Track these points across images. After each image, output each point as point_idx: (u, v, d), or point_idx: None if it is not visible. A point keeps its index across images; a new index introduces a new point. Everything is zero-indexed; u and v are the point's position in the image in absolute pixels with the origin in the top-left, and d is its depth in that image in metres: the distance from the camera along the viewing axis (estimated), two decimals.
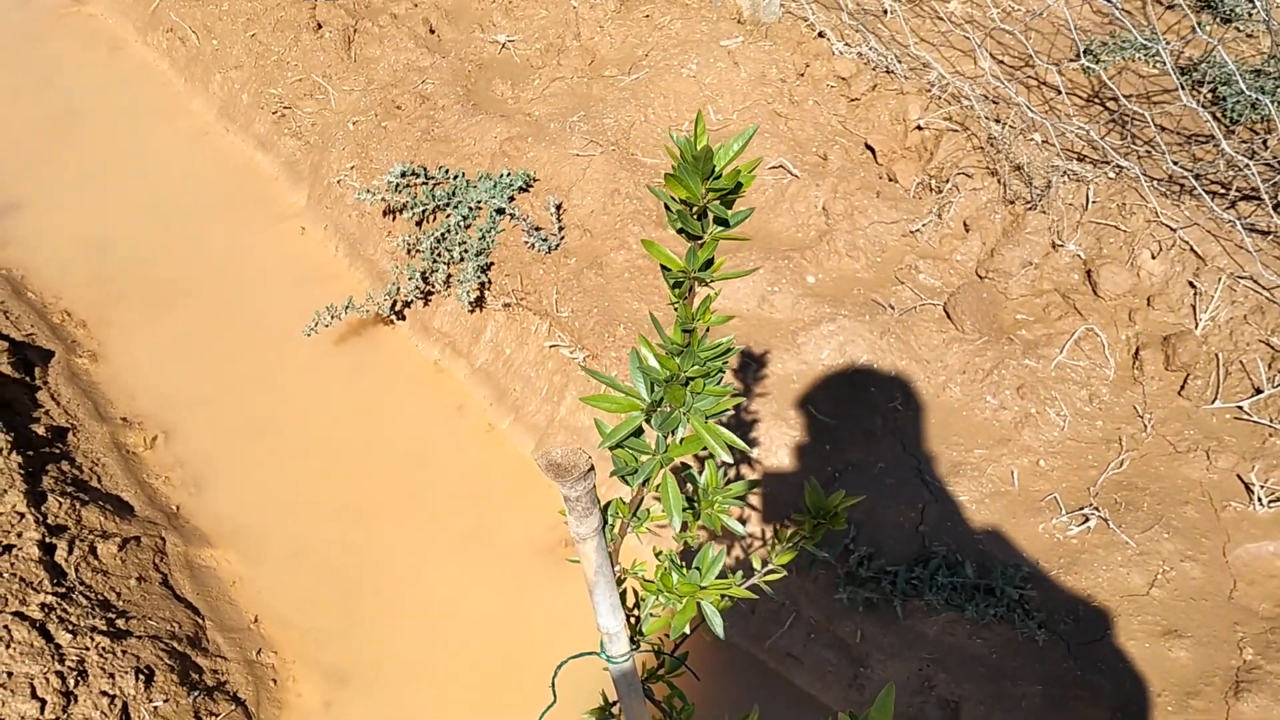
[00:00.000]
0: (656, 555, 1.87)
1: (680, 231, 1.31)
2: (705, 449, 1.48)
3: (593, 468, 1.48)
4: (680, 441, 1.51)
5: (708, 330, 1.43)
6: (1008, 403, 3.76)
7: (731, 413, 3.83)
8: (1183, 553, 3.33)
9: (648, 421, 1.51)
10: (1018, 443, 3.68)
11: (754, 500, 3.72)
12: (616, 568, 1.77)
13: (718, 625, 1.68)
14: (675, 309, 1.41)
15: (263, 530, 4.14)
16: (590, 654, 1.88)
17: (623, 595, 1.82)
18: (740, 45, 4.93)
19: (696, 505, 1.89)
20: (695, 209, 1.26)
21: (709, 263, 1.33)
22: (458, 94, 5.24)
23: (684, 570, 1.72)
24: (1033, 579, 3.34)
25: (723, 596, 1.74)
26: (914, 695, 3.22)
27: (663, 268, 1.35)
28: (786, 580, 3.57)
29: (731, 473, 3.66)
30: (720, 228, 1.29)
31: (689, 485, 1.89)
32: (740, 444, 1.49)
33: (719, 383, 1.48)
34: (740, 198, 1.25)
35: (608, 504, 1.73)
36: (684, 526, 1.91)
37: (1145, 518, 3.42)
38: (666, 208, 1.30)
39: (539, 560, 3.94)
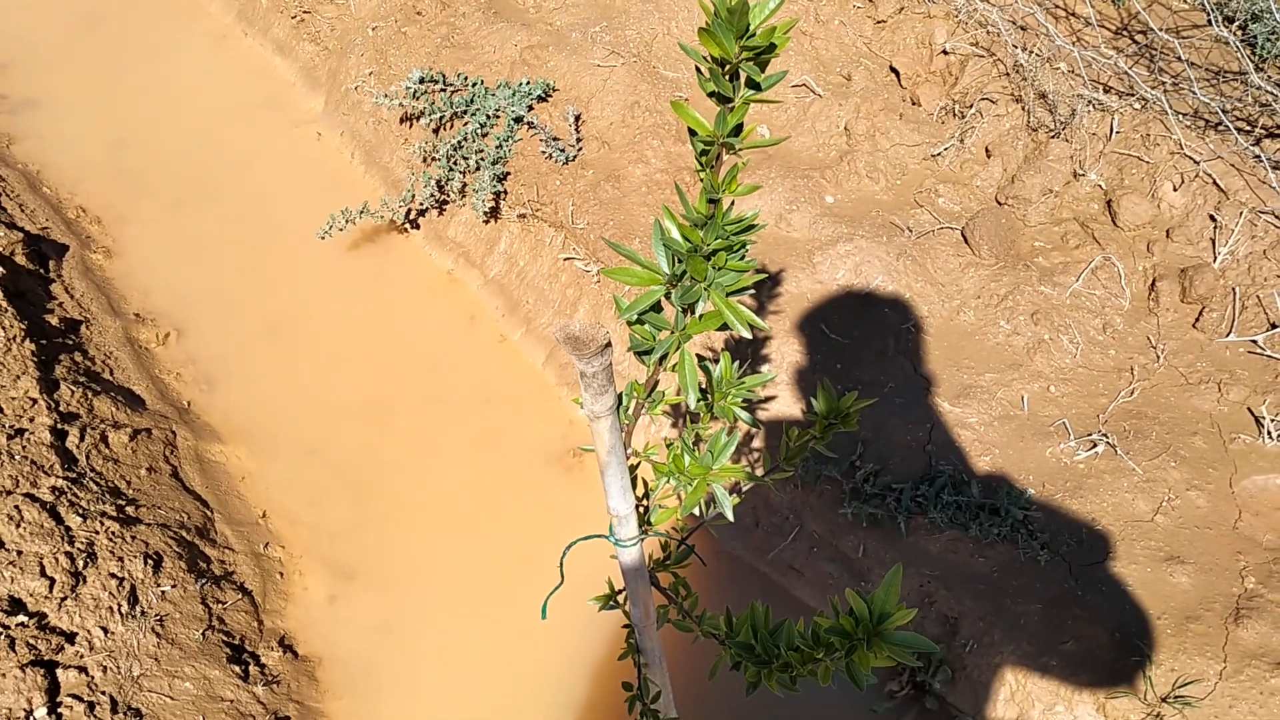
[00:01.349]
0: (668, 445, 1.88)
1: (711, 95, 1.29)
2: (725, 326, 1.47)
3: (610, 343, 1.48)
4: (700, 317, 1.51)
5: (732, 203, 1.42)
6: (1021, 328, 3.75)
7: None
8: (1189, 481, 3.33)
9: (667, 298, 1.50)
10: (1029, 368, 3.68)
11: (764, 416, 3.73)
12: (629, 450, 1.77)
13: (728, 507, 1.69)
14: (701, 179, 1.39)
15: (273, 428, 4.17)
16: (599, 536, 1.89)
17: (633, 483, 1.83)
18: None
19: (710, 397, 1.89)
20: (727, 69, 1.24)
21: (738, 128, 1.31)
22: (479, 1, 5.17)
23: (696, 453, 1.72)
24: (1038, 501, 3.36)
25: (730, 493, 1.75)
26: (914, 610, 3.24)
27: (690, 132, 1.33)
28: (792, 495, 3.59)
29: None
30: (751, 91, 1.28)
31: (704, 376, 1.89)
32: (759, 323, 1.48)
33: (742, 259, 1.47)
34: (775, 57, 1.23)
35: (623, 388, 1.73)
36: (695, 417, 1.92)
37: (1153, 446, 3.42)
38: (697, 69, 1.28)
39: (548, 467, 3.96)
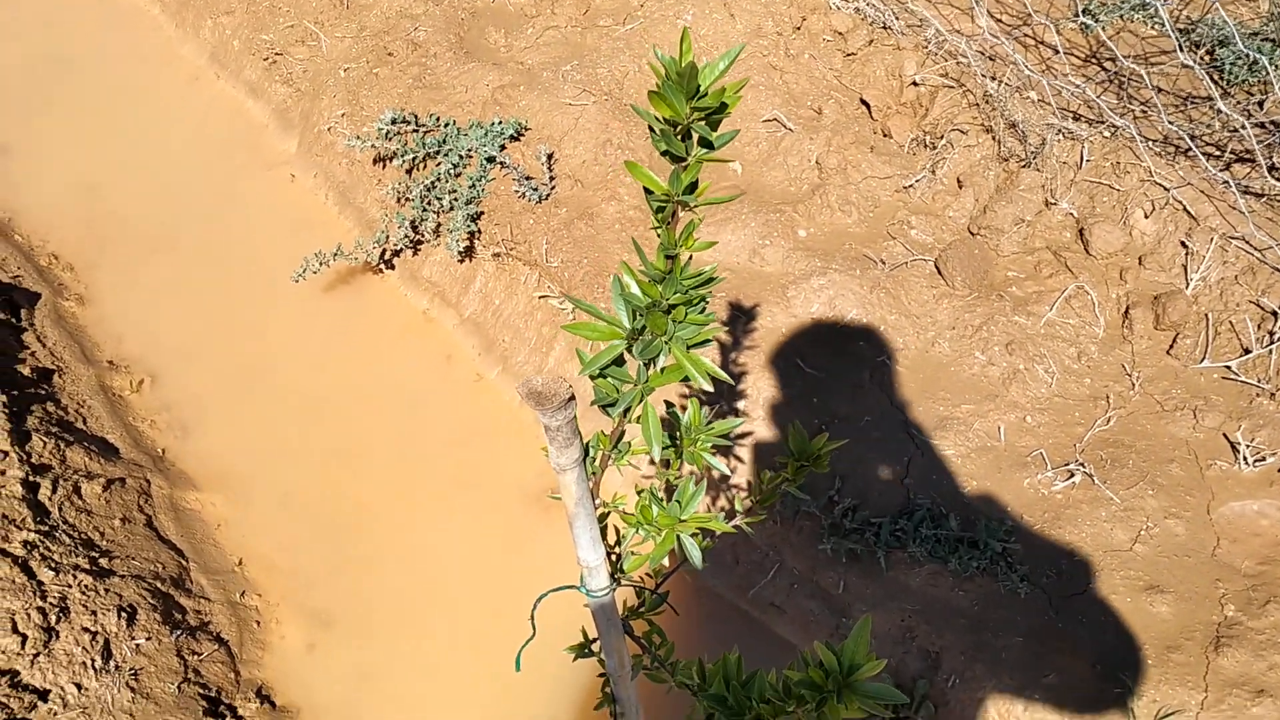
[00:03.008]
0: (638, 493, 1.87)
1: (664, 154, 1.29)
2: (687, 379, 1.47)
3: (573, 397, 1.47)
4: (661, 370, 1.50)
5: (690, 258, 1.42)
6: (996, 359, 3.76)
7: (717, 353, 3.82)
8: (1167, 509, 3.34)
9: (629, 350, 1.50)
10: (1005, 399, 3.68)
11: (741, 453, 3.72)
12: (597, 501, 1.76)
13: (696, 557, 1.68)
14: (658, 235, 1.39)
15: (249, 475, 4.14)
16: (570, 587, 1.88)
17: (604, 532, 1.82)
18: None
19: (679, 444, 1.89)
20: (679, 129, 1.24)
21: (693, 185, 1.31)
22: (450, 42, 5.18)
23: (664, 503, 1.71)
24: (1016, 533, 3.35)
25: (703, 535, 1.74)
26: (895, 645, 3.23)
27: (646, 191, 1.33)
28: (771, 531, 3.58)
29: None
30: (705, 150, 1.27)
31: (673, 425, 1.89)
32: (721, 374, 1.48)
33: (701, 311, 1.46)
34: (725, 118, 1.23)
35: (589, 438, 1.73)
36: (666, 464, 1.91)
37: (1130, 474, 3.42)
38: (650, 129, 1.28)
39: (526, 507, 3.94)
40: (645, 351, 1.46)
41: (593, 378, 1.55)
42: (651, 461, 3.84)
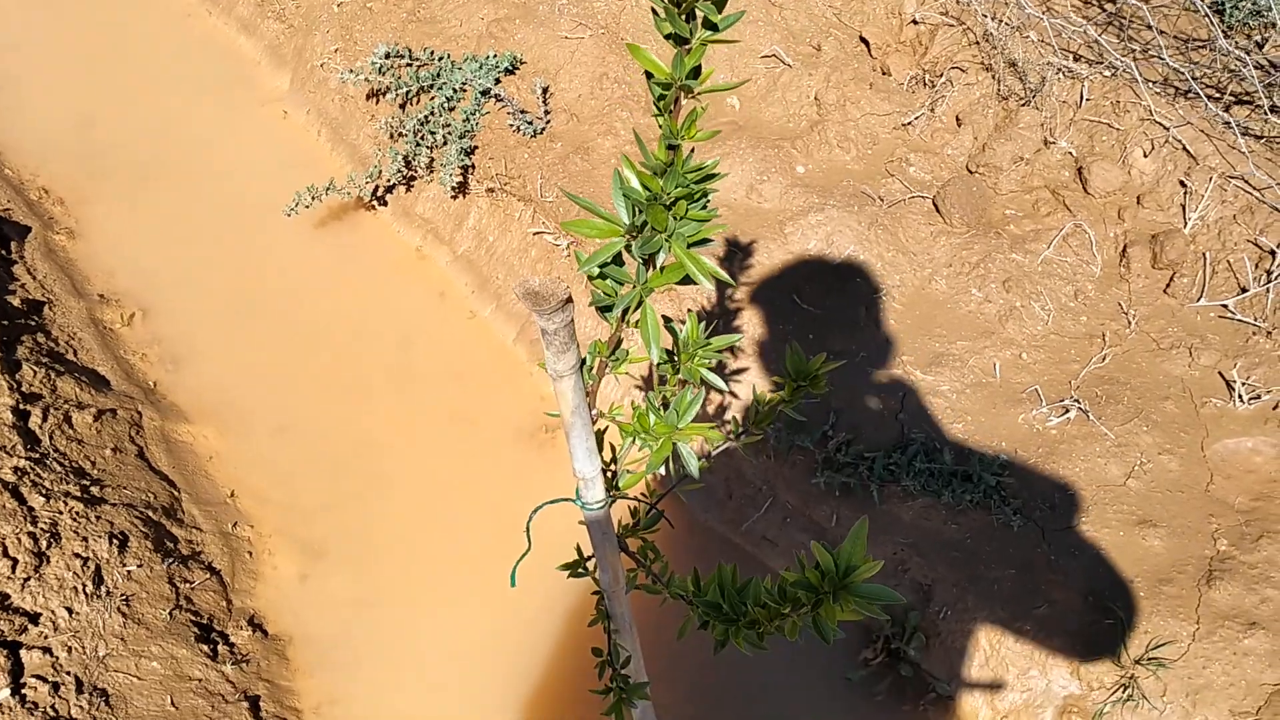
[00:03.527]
0: (634, 408, 1.85)
1: (668, 37, 1.26)
2: (687, 279, 1.44)
3: (570, 298, 1.45)
4: (661, 269, 1.48)
5: (693, 150, 1.39)
6: (993, 296, 3.74)
7: (713, 286, 3.80)
8: (1161, 446, 3.34)
9: (628, 250, 1.48)
10: (1001, 335, 3.67)
11: (737, 389, 3.71)
12: (594, 412, 1.75)
13: (693, 465, 1.66)
14: (660, 124, 1.36)
15: (241, 407, 4.12)
16: (565, 500, 1.87)
17: (600, 447, 1.81)
18: None
19: (676, 359, 1.86)
20: (683, 7, 1.21)
21: (696, 70, 1.28)
22: None
23: (661, 413, 1.69)
24: (1010, 467, 3.35)
25: (699, 458, 1.72)
26: (888, 578, 3.24)
27: (647, 74, 1.30)
28: (764, 466, 3.57)
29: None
30: (709, 31, 1.25)
31: (671, 340, 1.86)
32: (722, 274, 1.45)
33: (703, 207, 1.44)
34: None
35: (587, 347, 1.71)
36: (663, 379, 1.89)
37: (1125, 411, 3.42)
38: (653, 10, 1.25)
39: (520, 443, 3.93)
40: (645, 248, 1.44)
41: (590, 278, 1.53)
42: (647, 382, 3.82)
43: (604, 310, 1.56)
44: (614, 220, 1.45)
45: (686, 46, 1.26)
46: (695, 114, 1.35)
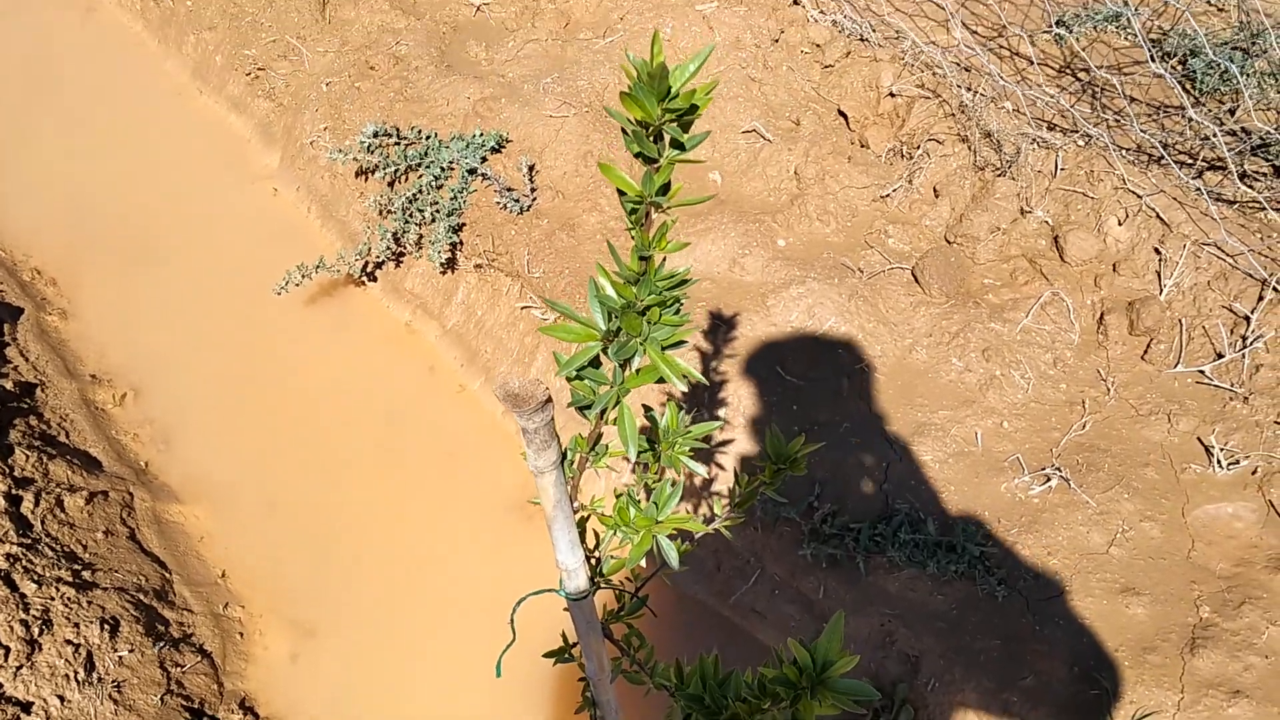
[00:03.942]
0: (617, 497, 1.89)
1: (637, 156, 1.31)
2: (662, 379, 1.49)
3: (550, 399, 1.49)
4: (637, 371, 1.52)
5: (664, 259, 1.45)
6: (973, 365, 3.79)
7: (698, 361, 3.85)
8: (1142, 513, 3.37)
9: (604, 352, 1.52)
10: (982, 404, 3.72)
11: (722, 460, 3.75)
12: (576, 505, 1.78)
13: (673, 557, 1.70)
14: (632, 236, 1.42)
15: (232, 486, 4.14)
16: (549, 591, 1.90)
17: (583, 536, 1.84)
18: (715, 10, 4.93)
19: (658, 448, 1.91)
20: (650, 130, 1.27)
21: (665, 187, 1.34)
22: (432, 55, 5.21)
23: (640, 505, 1.73)
24: (994, 537, 3.38)
25: (682, 540, 1.76)
26: (875, 650, 3.26)
27: (619, 192, 1.36)
28: (751, 538, 3.60)
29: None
30: (676, 151, 1.30)
31: (652, 429, 1.91)
32: (695, 374, 1.50)
33: (676, 312, 1.49)
34: (697, 118, 1.26)
35: (567, 442, 1.75)
36: (644, 467, 1.93)
37: (1106, 478, 3.46)
38: (623, 131, 1.31)
39: (507, 515, 3.96)
40: (620, 352, 1.48)
41: (569, 379, 1.58)
42: (630, 465, 3.86)
43: (583, 409, 1.61)
44: (591, 325, 1.50)
45: (655, 165, 1.32)
46: (665, 226, 1.40)
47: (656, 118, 1.25)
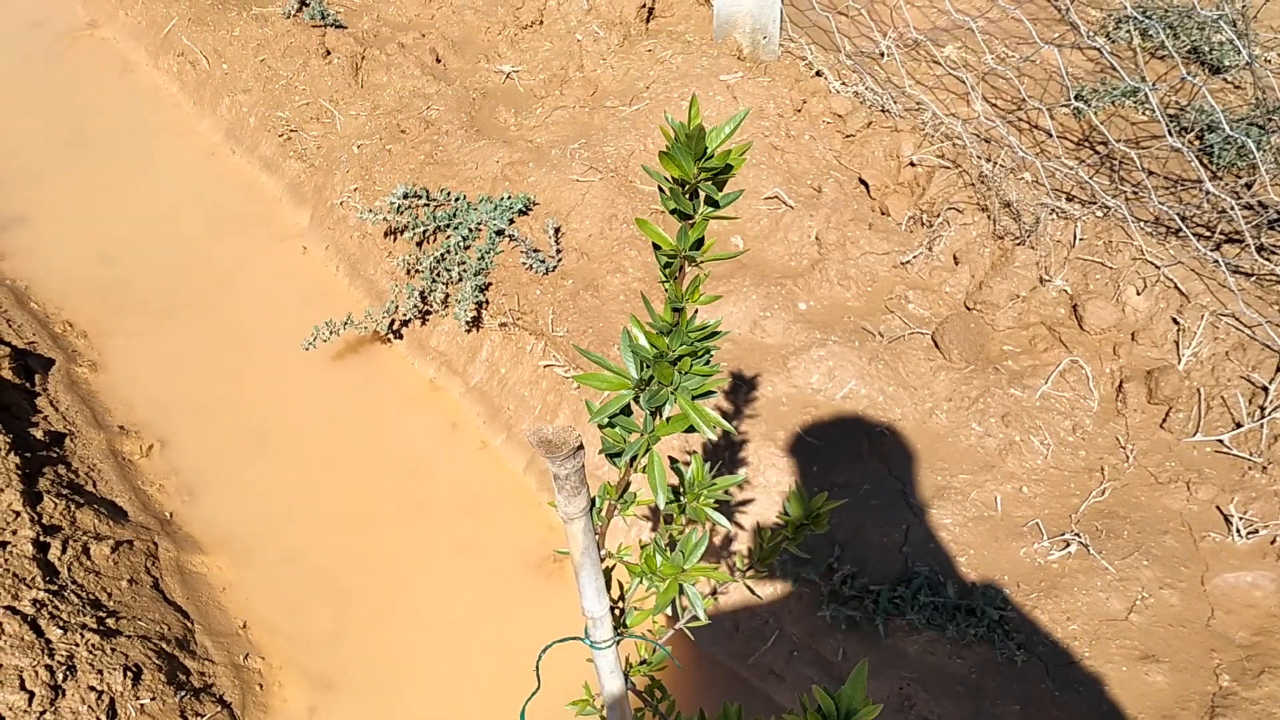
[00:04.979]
0: (642, 547, 1.92)
1: (673, 213, 1.38)
2: (692, 428, 1.54)
3: (582, 445, 1.54)
4: (667, 420, 1.57)
5: (696, 311, 1.50)
6: (993, 430, 3.82)
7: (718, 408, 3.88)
8: (1162, 580, 3.38)
9: (636, 401, 1.57)
10: (1001, 469, 3.74)
11: (741, 519, 3.77)
12: (603, 552, 1.82)
13: (699, 607, 1.73)
14: (666, 290, 1.47)
15: (254, 538, 4.18)
16: (574, 639, 1.92)
17: (608, 585, 1.87)
18: (739, 80, 5.04)
19: (683, 499, 1.95)
20: (687, 188, 1.33)
21: (699, 243, 1.40)
22: (461, 120, 5.33)
23: (668, 554, 1.77)
24: (1013, 601, 3.39)
25: (705, 595, 1.79)
26: (894, 713, 3.25)
27: (654, 246, 1.41)
28: (770, 599, 3.62)
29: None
30: (710, 208, 1.36)
31: (677, 480, 1.95)
32: (724, 424, 1.55)
33: (706, 363, 1.54)
34: (730, 178, 1.32)
35: (596, 490, 1.79)
36: (669, 519, 1.97)
37: (1125, 545, 3.47)
38: (660, 189, 1.37)
39: (529, 573, 3.98)
40: (652, 400, 1.53)
41: (601, 427, 1.62)
42: (655, 517, 3.89)
43: (613, 457, 1.65)
44: (624, 374, 1.55)
45: (690, 221, 1.38)
46: (698, 280, 1.46)
47: (693, 176, 1.31)
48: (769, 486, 3.81)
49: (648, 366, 1.53)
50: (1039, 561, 3.50)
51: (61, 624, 3.35)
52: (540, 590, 3.94)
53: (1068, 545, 3.51)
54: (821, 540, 3.63)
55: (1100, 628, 3.30)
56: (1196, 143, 4.73)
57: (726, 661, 3.65)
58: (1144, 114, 4.97)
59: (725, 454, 3.86)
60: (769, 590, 3.62)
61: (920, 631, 3.38)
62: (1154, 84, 5.06)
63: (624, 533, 3.97)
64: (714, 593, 3.65)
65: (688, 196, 1.35)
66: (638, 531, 3.96)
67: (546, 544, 4.06)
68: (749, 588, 2.31)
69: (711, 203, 1.37)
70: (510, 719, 2.14)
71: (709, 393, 1.56)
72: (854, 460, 3.84)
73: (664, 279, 1.46)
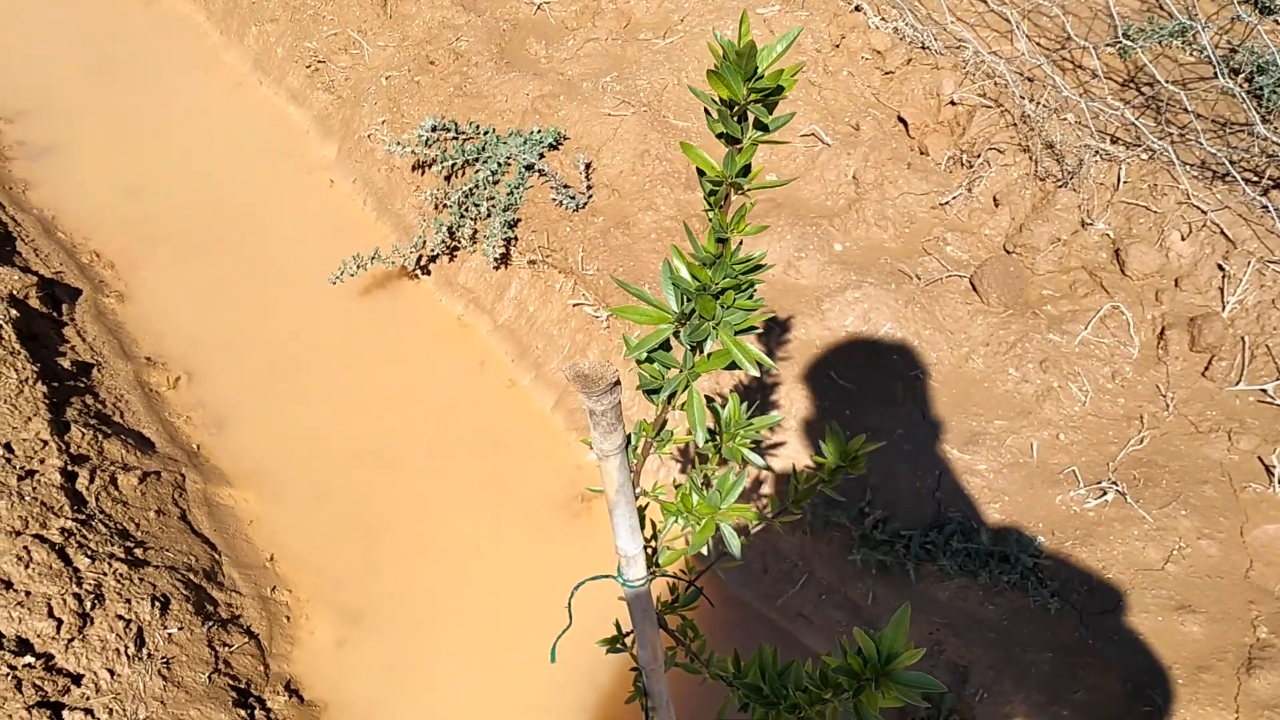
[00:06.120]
0: (676, 487, 1.88)
1: (720, 136, 1.31)
2: (732, 364, 1.48)
3: (619, 381, 1.48)
4: (708, 356, 1.52)
5: (740, 243, 1.44)
6: (1030, 376, 3.75)
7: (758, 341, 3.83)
8: (1200, 530, 3.32)
9: (676, 336, 1.51)
10: (1038, 415, 3.67)
11: (773, 462, 3.73)
12: (637, 491, 1.77)
13: (735, 546, 1.69)
14: (709, 219, 1.41)
15: (282, 472, 4.17)
16: (607, 576, 1.89)
17: (642, 523, 1.83)
18: (776, 14, 4.92)
19: (718, 439, 1.90)
20: (735, 110, 1.26)
21: (746, 169, 1.33)
22: (491, 52, 5.24)
23: (704, 492, 1.72)
24: (1047, 549, 3.34)
25: (742, 533, 1.74)
26: (924, 658, 3.22)
27: (699, 172, 1.35)
28: (800, 541, 3.58)
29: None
30: (759, 132, 1.30)
31: (713, 419, 1.89)
32: (767, 360, 1.49)
33: (750, 297, 1.48)
34: (782, 99, 1.25)
35: (631, 428, 1.74)
36: (704, 458, 1.92)
37: (1163, 494, 3.41)
38: (706, 111, 1.30)
39: (556, 512, 3.96)
40: (693, 335, 1.48)
41: (639, 362, 1.57)
42: (684, 458, 3.85)
43: (650, 393, 1.60)
44: (663, 308, 1.50)
45: (738, 146, 1.31)
46: (744, 209, 1.39)
47: (743, 97, 1.25)
48: (800, 429, 3.75)
49: (688, 300, 1.47)
50: (1074, 509, 3.44)
51: (90, 553, 3.36)
52: (567, 529, 3.92)
53: (1104, 493, 3.45)
54: (853, 484, 3.58)
55: (1136, 577, 3.25)
56: (1246, 85, 4.58)
57: (754, 603, 3.63)
58: (1192, 55, 4.81)
59: (757, 396, 3.80)
60: (799, 533, 3.58)
61: (952, 577, 3.34)
62: (1204, 23, 4.90)
63: (653, 474, 3.94)
64: (746, 533, 3.62)
65: (736, 119, 1.29)
66: (666, 472, 3.93)
67: (574, 483, 4.03)
68: (780, 530, 2.27)
69: (760, 126, 1.30)
70: (538, 655, 2.12)
71: (751, 328, 1.50)
72: (887, 404, 3.77)
73: (708, 207, 1.39)
